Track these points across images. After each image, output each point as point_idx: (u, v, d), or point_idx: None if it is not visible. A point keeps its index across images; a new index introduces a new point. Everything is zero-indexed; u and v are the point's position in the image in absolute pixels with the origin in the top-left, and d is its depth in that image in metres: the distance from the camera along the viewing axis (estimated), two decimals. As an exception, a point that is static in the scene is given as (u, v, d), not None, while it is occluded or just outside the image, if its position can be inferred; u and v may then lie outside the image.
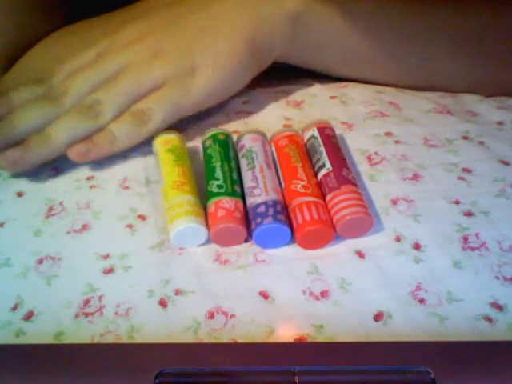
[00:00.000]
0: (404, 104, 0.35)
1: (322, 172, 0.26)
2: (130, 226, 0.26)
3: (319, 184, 0.26)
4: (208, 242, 0.25)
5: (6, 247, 0.25)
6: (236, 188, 0.26)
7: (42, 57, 0.37)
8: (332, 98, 0.36)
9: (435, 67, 0.35)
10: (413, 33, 0.34)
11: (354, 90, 0.36)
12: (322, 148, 0.27)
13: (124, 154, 0.31)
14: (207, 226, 0.25)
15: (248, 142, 0.28)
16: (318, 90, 0.36)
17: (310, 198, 0.25)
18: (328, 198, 0.25)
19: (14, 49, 0.38)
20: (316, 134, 0.28)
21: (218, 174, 0.26)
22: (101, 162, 0.30)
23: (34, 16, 0.38)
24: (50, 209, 0.27)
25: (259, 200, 0.25)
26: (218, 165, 0.27)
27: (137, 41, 0.31)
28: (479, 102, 0.35)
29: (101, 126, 0.29)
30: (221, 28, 0.31)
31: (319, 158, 0.27)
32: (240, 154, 0.28)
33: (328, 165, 0.26)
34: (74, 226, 0.26)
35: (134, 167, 0.30)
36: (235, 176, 0.27)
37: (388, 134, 0.32)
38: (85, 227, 0.26)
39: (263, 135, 0.29)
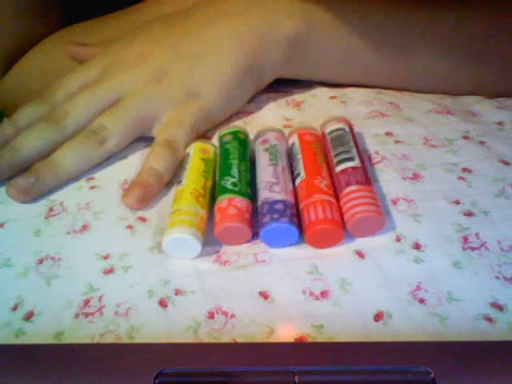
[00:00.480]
0: (404, 104, 0.35)
1: (349, 164, 0.26)
2: (130, 226, 0.26)
3: (338, 175, 0.26)
4: (208, 242, 0.25)
5: (7, 247, 0.25)
6: (248, 189, 0.26)
7: (41, 59, 0.38)
8: (332, 98, 0.36)
9: (439, 73, 0.36)
10: (416, 42, 0.34)
11: (353, 90, 0.36)
12: (352, 143, 0.28)
13: (124, 156, 0.31)
14: (213, 220, 0.24)
15: (273, 139, 0.29)
16: (318, 90, 0.36)
17: (331, 199, 0.25)
18: (352, 188, 0.25)
19: (13, 50, 0.38)
20: (347, 128, 0.29)
21: (234, 171, 0.26)
22: (101, 163, 0.30)
23: (33, 17, 0.38)
24: (51, 209, 0.27)
25: (278, 197, 0.25)
26: (235, 162, 0.27)
27: (139, 63, 0.31)
28: (479, 103, 0.35)
29: (107, 152, 0.30)
30: (222, 51, 0.32)
31: (348, 150, 0.27)
32: (262, 147, 0.28)
33: (357, 160, 0.26)
34: (74, 226, 0.26)
35: (134, 168, 0.30)
36: (249, 178, 0.27)
37: (388, 133, 0.32)
38: (85, 227, 0.26)
39: (285, 137, 0.29)
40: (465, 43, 0.34)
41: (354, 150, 0.27)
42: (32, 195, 0.28)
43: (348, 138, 0.28)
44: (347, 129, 0.29)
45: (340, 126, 0.29)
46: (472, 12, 0.34)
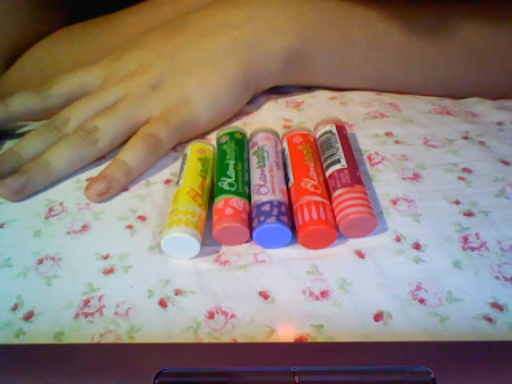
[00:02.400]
0: (404, 105, 0.35)
1: (336, 167, 0.26)
2: (129, 226, 0.26)
3: (328, 180, 0.26)
4: (208, 242, 0.25)
5: (7, 248, 0.25)
6: (246, 189, 0.26)
7: (41, 57, 0.38)
8: (332, 98, 0.36)
9: (438, 81, 0.36)
10: (415, 52, 0.34)
11: (353, 91, 0.36)
12: (339, 144, 0.28)
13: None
14: (212, 222, 0.25)
15: (261, 140, 0.29)
16: (317, 90, 0.36)
17: (319, 199, 0.25)
18: (339, 192, 0.25)
19: (14, 47, 0.38)
20: (334, 130, 0.29)
21: (231, 172, 0.26)
22: (100, 163, 0.30)
23: (35, 15, 0.38)
24: (51, 209, 0.27)
25: (265, 198, 0.25)
26: (231, 163, 0.27)
27: (137, 73, 0.32)
28: (479, 103, 0.35)
29: (99, 152, 0.30)
30: (217, 63, 0.32)
31: (334, 153, 0.27)
32: (251, 151, 0.28)
33: (343, 161, 0.26)
34: (74, 226, 0.26)
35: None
36: (246, 177, 0.27)
37: (388, 134, 0.32)
38: (85, 228, 0.26)
39: (276, 135, 0.29)
40: (464, 52, 0.35)
41: (341, 151, 0.27)
42: (23, 195, 0.28)
43: (334, 140, 0.28)
44: (334, 130, 0.29)
45: (327, 128, 0.29)
46: (470, 21, 0.34)
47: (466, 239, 0.24)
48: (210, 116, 0.32)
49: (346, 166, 0.26)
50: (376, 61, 0.34)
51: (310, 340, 0.21)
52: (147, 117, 0.31)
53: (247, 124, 0.33)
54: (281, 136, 0.30)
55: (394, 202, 0.27)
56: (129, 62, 0.33)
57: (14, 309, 0.22)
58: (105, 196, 0.28)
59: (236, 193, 0.25)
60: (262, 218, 0.24)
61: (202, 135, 0.32)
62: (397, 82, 0.36)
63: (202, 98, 0.31)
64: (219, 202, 0.25)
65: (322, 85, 0.36)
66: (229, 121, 0.34)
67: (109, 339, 0.21)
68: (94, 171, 0.30)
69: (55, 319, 0.22)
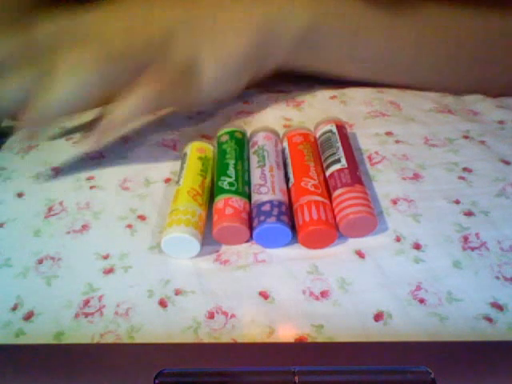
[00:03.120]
0: (404, 104, 0.35)
1: (336, 167, 0.26)
2: (129, 226, 0.26)
3: (328, 179, 0.26)
4: (208, 241, 0.25)
5: (6, 247, 0.25)
6: (246, 189, 0.26)
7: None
8: (332, 98, 0.36)
9: (444, 72, 0.36)
10: (424, 42, 0.34)
11: (354, 90, 0.36)
12: (339, 144, 0.28)
13: (124, 155, 0.31)
14: (212, 222, 0.25)
15: (261, 139, 0.29)
16: (318, 90, 0.36)
17: (319, 198, 0.25)
18: (339, 192, 0.25)
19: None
20: (334, 129, 0.29)
21: (231, 171, 0.26)
22: (100, 163, 0.30)
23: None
24: (50, 209, 0.27)
25: (265, 198, 0.25)
26: (231, 162, 0.27)
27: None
28: (480, 102, 0.35)
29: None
30: (230, 36, 0.31)
31: (334, 153, 0.27)
32: (251, 151, 0.28)
33: (344, 161, 0.26)
34: (73, 226, 0.26)
35: (133, 168, 0.30)
36: (246, 177, 0.27)
37: (388, 133, 0.32)
38: (85, 227, 0.26)
39: (277, 134, 0.29)
40: (469, 46, 0.35)
41: (341, 151, 0.27)
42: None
43: (335, 139, 0.28)
44: (334, 129, 0.29)
45: (327, 128, 0.29)
46: (477, 14, 0.34)
47: (466, 239, 0.24)
48: (213, 86, 0.31)
49: (346, 166, 0.26)
50: (386, 52, 0.34)
51: (310, 340, 0.21)
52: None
53: (247, 123, 0.33)
54: (281, 135, 0.30)
55: (394, 202, 0.27)
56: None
57: (14, 309, 0.22)
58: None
59: (236, 192, 0.25)
60: (262, 218, 0.24)
61: (202, 135, 0.32)
62: (405, 74, 0.36)
63: (212, 65, 0.31)
64: (219, 201, 0.25)
65: (330, 73, 0.36)
66: (229, 120, 0.34)
67: (109, 339, 0.21)
68: (95, 171, 0.30)
69: (55, 319, 0.22)
